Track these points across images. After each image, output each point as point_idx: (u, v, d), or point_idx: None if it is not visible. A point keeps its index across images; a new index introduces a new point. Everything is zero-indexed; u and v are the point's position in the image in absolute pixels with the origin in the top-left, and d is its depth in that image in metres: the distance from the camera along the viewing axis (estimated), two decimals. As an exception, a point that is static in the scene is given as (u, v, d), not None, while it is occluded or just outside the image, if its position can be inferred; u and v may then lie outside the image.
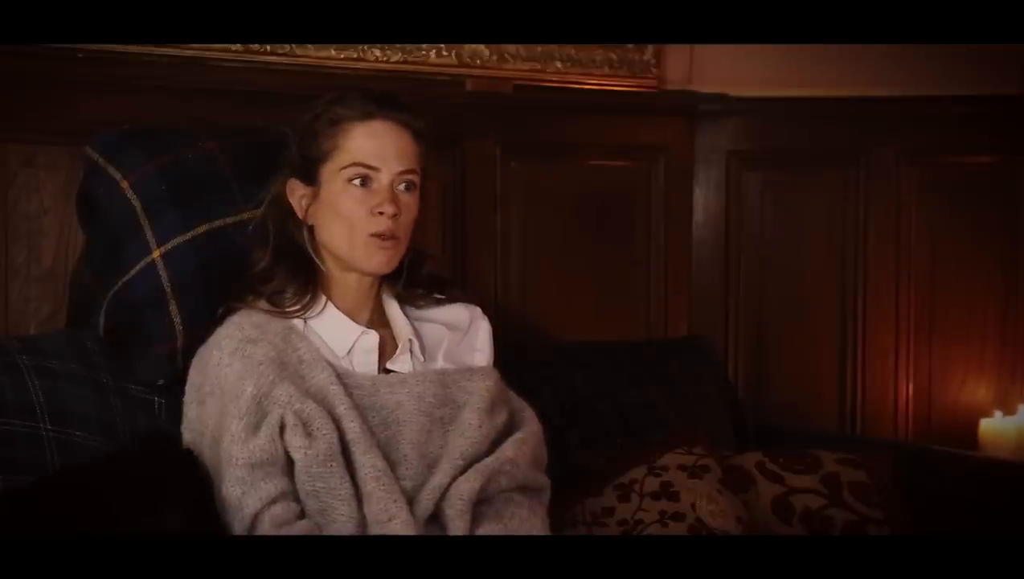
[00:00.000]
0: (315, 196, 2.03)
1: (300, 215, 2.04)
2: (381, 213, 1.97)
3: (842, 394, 3.23)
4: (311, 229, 2.04)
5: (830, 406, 3.23)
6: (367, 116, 2.00)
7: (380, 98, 2.03)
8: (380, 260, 2.00)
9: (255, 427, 1.88)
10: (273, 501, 1.86)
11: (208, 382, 1.95)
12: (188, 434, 1.99)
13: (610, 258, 3.03)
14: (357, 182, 1.99)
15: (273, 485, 1.87)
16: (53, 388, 2.05)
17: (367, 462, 1.89)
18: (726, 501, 2.32)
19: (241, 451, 1.87)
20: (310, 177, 2.03)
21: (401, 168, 2.00)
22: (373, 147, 1.99)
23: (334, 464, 1.88)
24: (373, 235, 1.98)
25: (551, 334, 2.88)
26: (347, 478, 1.88)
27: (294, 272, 2.02)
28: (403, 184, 2.01)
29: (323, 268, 2.04)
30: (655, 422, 2.64)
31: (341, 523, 1.87)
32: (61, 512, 1.77)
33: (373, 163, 1.99)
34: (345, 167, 1.99)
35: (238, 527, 1.86)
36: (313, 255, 2.03)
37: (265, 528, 1.85)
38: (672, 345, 2.94)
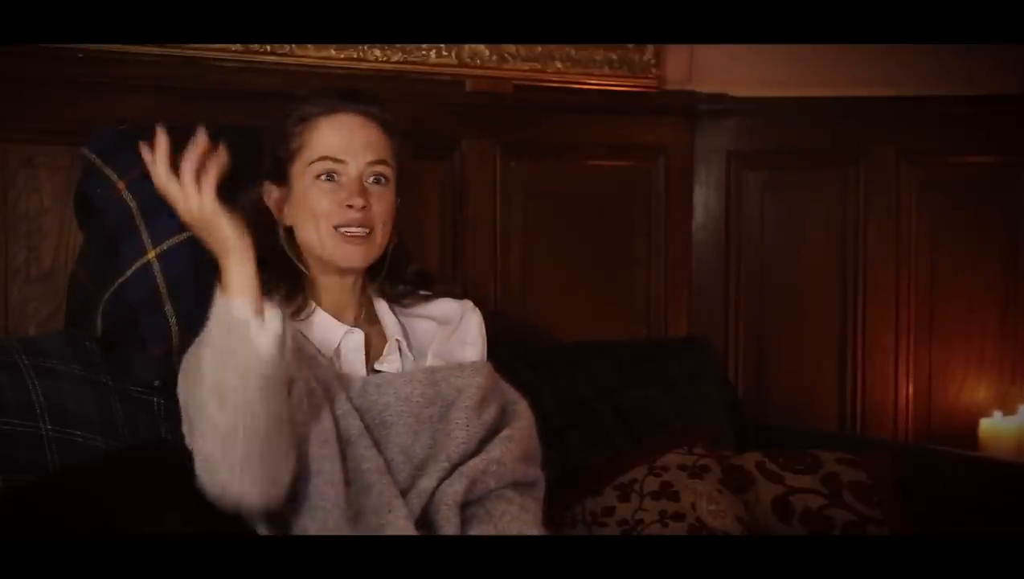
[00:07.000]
0: (288, 196, 2.02)
1: (277, 217, 2.03)
2: (350, 206, 1.96)
3: (842, 394, 3.23)
4: (289, 230, 2.03)
5: (830, 406, 3.23)
6: (332, 110, 2.00)
7: (345, 93, 2.03)
8: (350, 252, 1.98)
9: None
10: None
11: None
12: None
13: (610, 258, 3.03)
14: (324, 177, 1.98)
15: None
16: (53, 388, 2.05)
17: (371, 456, 1.87)
18: (726, 501, 2.32)
19: None
20: (282, 177, 2.02)
21: (369, 159, 1.99)
22: (339, 140, 1.99)
23: (327, 449, 1.85)
24: (339, 226, 1.97)
25: (551, 334, 2.88)
26: (339, 463, 1.85)
27: (278, 277, 1.99)
28: (372, 177, 2.00)
29: (304, 270, 2.02)
30: (655, 422, 2.64)
31: (324, 510, 1.83)
32: (61, 512, 1.77)
33: (339, 156, 1.98)
34: (312, 162, 1.99)
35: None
36: (294, 257, 2.02)
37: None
38: (672, 345, 2.94)
